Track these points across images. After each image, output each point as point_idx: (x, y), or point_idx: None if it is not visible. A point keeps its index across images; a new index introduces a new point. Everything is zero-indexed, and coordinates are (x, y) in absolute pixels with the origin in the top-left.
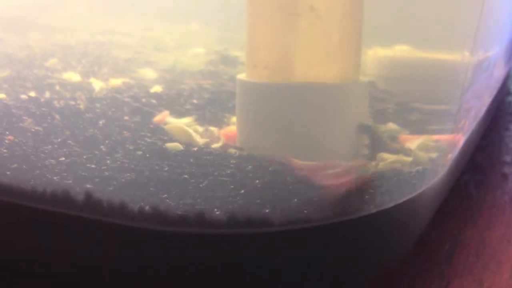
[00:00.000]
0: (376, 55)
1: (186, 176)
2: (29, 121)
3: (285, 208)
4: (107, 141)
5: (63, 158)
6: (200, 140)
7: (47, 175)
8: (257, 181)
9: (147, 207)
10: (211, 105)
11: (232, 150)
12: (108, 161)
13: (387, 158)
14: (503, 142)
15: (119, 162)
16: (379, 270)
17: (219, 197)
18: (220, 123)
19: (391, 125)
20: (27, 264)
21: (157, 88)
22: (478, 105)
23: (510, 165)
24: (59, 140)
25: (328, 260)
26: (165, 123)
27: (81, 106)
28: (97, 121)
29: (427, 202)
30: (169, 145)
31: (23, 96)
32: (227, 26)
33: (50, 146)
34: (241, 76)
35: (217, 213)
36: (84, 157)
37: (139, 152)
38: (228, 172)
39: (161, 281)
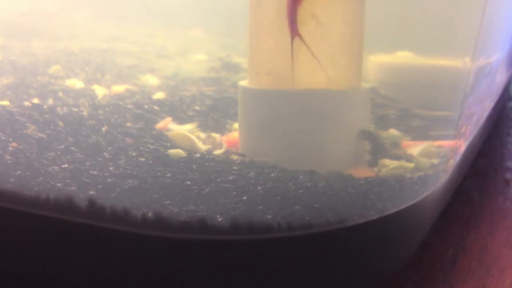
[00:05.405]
0: (378, 61)
1: (188, 182)
2: (32, 128)
3: (287, 214)
4: (110, 148)
5: (67, 165)
6: (203, 147)
7: (50, 181)
8: (259, 188)
9: (150, 214)
10: (213, 112)
11: (234, 157)
12: (111, 168)
13: (389, 164)
14: (505, 148)
15: (122, 169)
16: (381, 276)
17: (221, 204)
18: (222, 130)
19: (393, 131)
20: (30, 269)
21: (159, 95)
22: (480, 110)
23: None
24: (62, 146)
25: (330, 266)
26: (168, 130)
27: (84, 113)
28: (100, 127)
29: (429, 208)
30: (172, 151)
31: (27, 103)
32: (229, 33)
33: (53, 153)
34: (243, 82)
35: (219, 219)
36: (87, 163)
37: (142, 159)
38: (231, 178)
39: (163, 286)
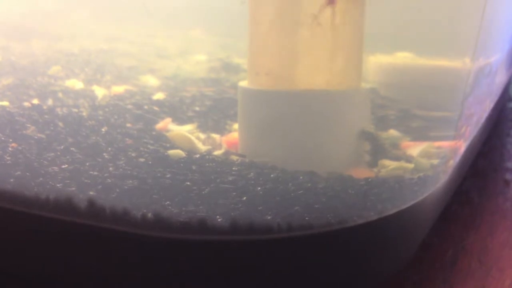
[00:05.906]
0: (378, 62)
1: (188, 183)
2: (32, 128)
3: (287, 215)
4: (109, 148)
5: (66, 165)
6: (202, 147)
7: (50, 182)
8: (259, 188)
9: (149, 214)
10: (213, 112)
11: (234, 157)
12: (111, 168)
13: (389, 165)
14: (505, 148)
15: (121, 169)
16: (381, 277)
17: (221, 204)
18: (222, 130)
19: (393, 132)
20: (30, 269)
21: (159, 95)
22: (480, 111)
23: None
24: (62, 147)
25: (329, 267)
26: (167, 130)
27: (84, 114)
28: (100, 128)
29: (429, 209)
30: (171, 152)
31: (26, 104)
32: (229, 33)
33: (53, 153)
34: (243, 83)
35: (219, 220)
36: (87, 164)
37: (142, 159)
38: (230, 179)
39: (163, 287)
